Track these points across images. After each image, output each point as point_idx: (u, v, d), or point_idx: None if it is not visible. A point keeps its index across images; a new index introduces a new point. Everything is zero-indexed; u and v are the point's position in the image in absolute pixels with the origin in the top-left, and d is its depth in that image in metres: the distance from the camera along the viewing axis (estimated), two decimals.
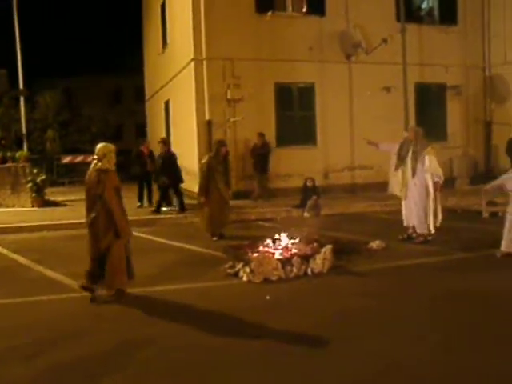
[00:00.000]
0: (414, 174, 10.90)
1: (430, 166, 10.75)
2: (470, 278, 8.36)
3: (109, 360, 5.58)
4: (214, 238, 12.05)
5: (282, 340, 5.95)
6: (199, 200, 12.45)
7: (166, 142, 16.61)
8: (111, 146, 7.92)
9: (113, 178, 7.69)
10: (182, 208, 15.72)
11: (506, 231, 9.50)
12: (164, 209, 16.00)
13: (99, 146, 7.85)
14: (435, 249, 10.47)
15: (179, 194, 15.86)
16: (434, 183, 10.82)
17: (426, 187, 10.89)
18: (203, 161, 12.45)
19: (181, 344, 5.92)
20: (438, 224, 11.03)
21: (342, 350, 5.60)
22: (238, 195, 17.34)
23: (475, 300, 7.20)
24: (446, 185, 18.00)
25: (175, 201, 16.08)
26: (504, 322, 6.31)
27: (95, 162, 7.77)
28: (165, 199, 16.08)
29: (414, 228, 11.23)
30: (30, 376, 5.26)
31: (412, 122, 19.23)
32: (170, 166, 15.59)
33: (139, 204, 17.26)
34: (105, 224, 7.58)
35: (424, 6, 21.41)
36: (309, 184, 16.16)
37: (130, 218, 7.90)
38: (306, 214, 15.34)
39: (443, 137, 21.02)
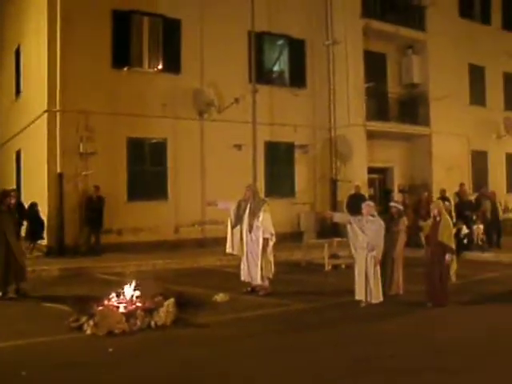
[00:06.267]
0: (250, 229, 11.47)
1: (263, 222, 11.37)
2: (300, 329, 8.92)
3: None
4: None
5: None
6: None
7: None
8: None
9: None
10: None
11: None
12: None
13: None
14: (275, 301, 10.96)
15: None
16: (264, 239, 11.42)
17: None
18: None
19: None
20: (270, 276, 11.64)
21: None
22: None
23: (306, 350, 7.66)
24: (294, 239, 19.20)
25: None
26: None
27: None
28: None
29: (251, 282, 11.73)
30: None
31: (261, 178, 20.11)
32: None
33: None
34: None
35: (275, 69, 22.64)
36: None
37: None
38: None
39: (291, 193, 22.13)
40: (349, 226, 10.64)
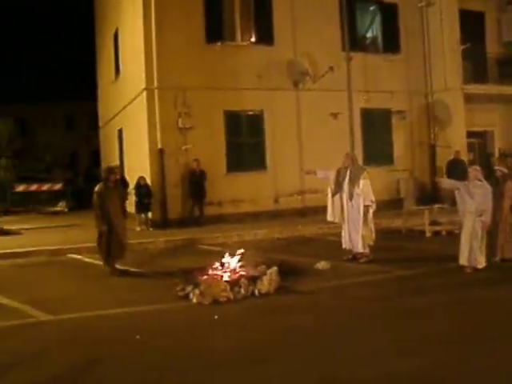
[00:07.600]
0: (351, 197, 11.48)
1: (363, 190, 11.36)
2: (404, 295, 8.89)
3: (63, 380, 5.86)
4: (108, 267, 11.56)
5: (223, 355, 6.28)
6: (100, 230, 11.52)
7: None
8: None
9: None
10: None
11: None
12: None
13: None
14: (377, 268, 10.93)
15: None
16: (365, 206, 11.42)
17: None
18: (95, 190, 11.66)
19: (137, 364, 6.17)
20: (371, 243, 11.66)
21: (275, 365, 5.92)
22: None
23: (408, 316, 7.63)
24: (394, 206, 19.01)
25: None
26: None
27: None
28: None
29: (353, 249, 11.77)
30: None
31: (358, 146, 19.98)
32: None
33: None
34: None
35: (368, 35, 22.31)
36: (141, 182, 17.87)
37: None
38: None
39: (390, 160, 21.85)
40: (457, 192, 10.49)
